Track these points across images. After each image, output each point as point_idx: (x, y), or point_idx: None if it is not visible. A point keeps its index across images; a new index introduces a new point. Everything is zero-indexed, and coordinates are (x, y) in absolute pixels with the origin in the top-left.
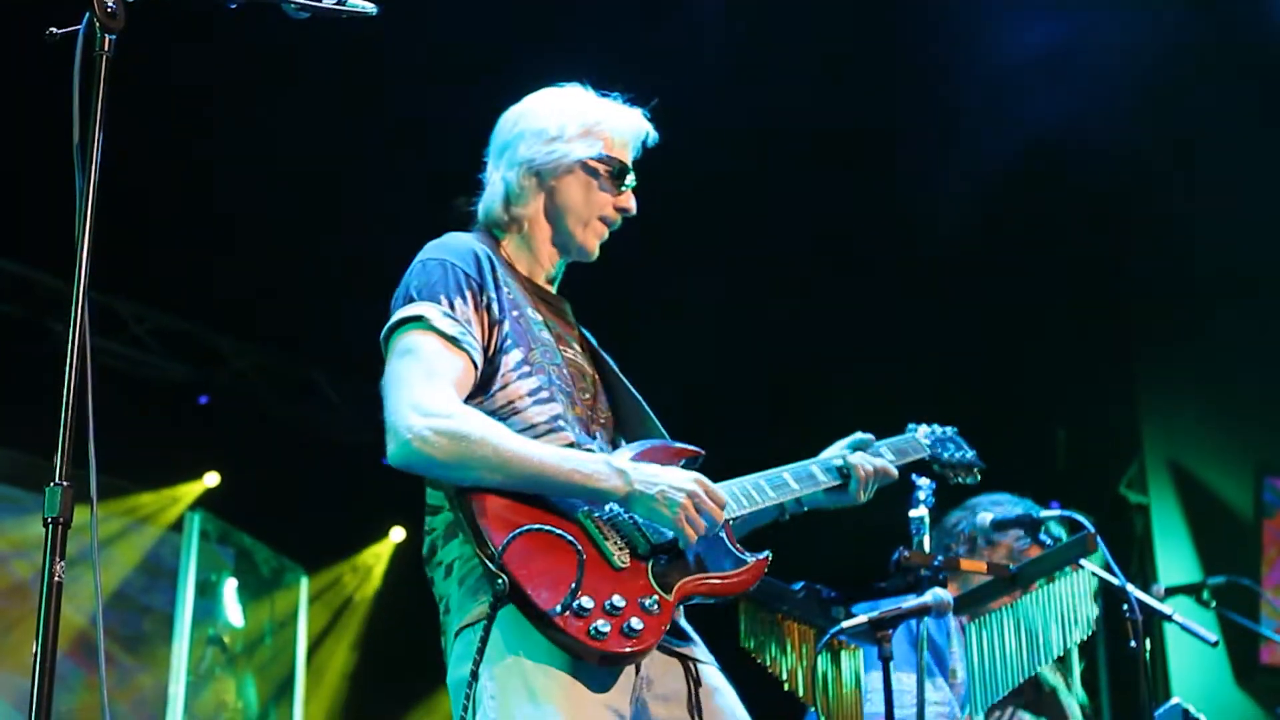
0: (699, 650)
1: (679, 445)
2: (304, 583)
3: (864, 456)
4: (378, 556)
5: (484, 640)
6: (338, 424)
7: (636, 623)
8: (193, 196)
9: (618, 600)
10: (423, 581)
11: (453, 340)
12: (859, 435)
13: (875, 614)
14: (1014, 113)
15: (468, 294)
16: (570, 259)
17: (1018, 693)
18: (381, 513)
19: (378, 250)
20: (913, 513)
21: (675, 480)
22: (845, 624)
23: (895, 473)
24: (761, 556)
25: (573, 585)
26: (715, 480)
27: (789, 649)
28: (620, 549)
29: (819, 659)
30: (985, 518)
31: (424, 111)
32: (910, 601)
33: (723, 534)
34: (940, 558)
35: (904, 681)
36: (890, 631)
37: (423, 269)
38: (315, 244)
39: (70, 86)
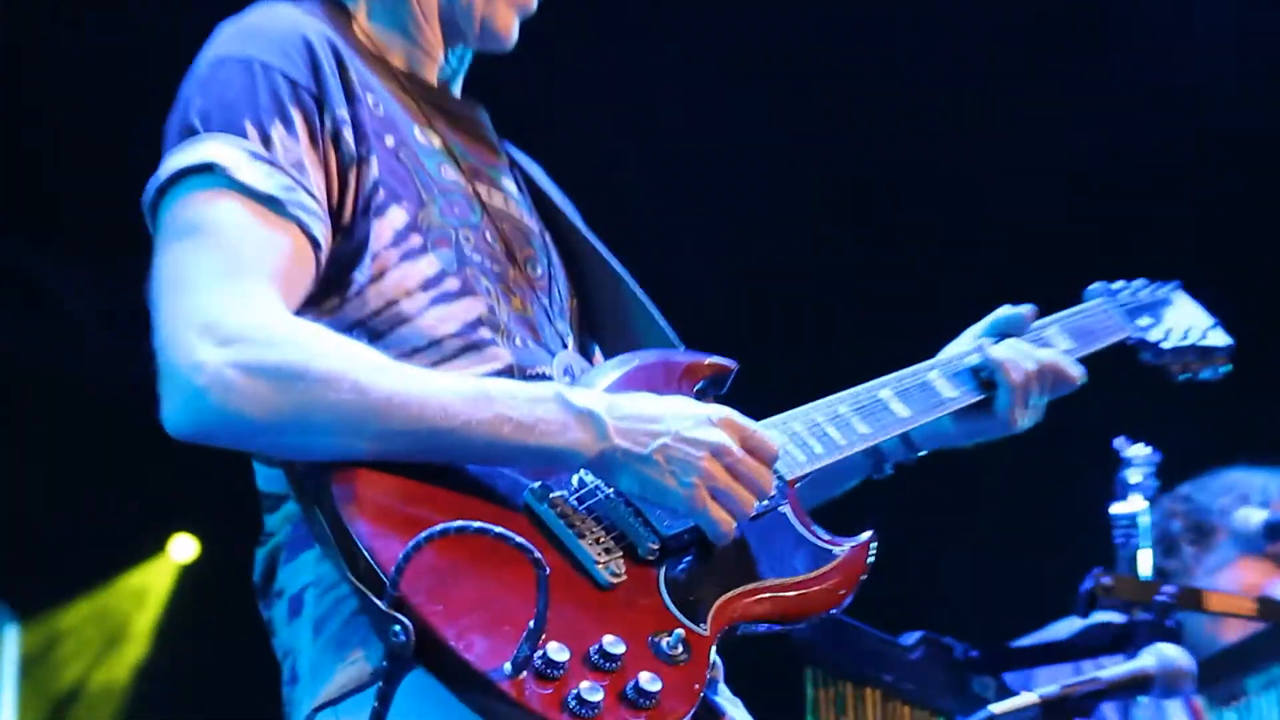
0: None
1: (691, 356)
2: (8, 636)
3: (1018, 348)
4: (145, 590)
5: None
6: (76, 358)
7: (650, 681)
8: None
9: (612, 643)
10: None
11: (271, 203)
12: (1006, 311)
13: (1055, 689)
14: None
15: (295, 114)
16: (474, 48)
17: None
18: (155, 515)
19: None
20: (1117, 506)
21: (685, 425)
22: (998, 708)
23: (1076, 374)
24: (859, 542)
25: (530, 625)
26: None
27: None
28: (607, 552)
29: None
30: (1250, 516)
31: None
32: (1115, 668)
33: (784, 507)
34: (1169, 588)
35: None
36: None
37: (212, 75)
38: None
39: None
